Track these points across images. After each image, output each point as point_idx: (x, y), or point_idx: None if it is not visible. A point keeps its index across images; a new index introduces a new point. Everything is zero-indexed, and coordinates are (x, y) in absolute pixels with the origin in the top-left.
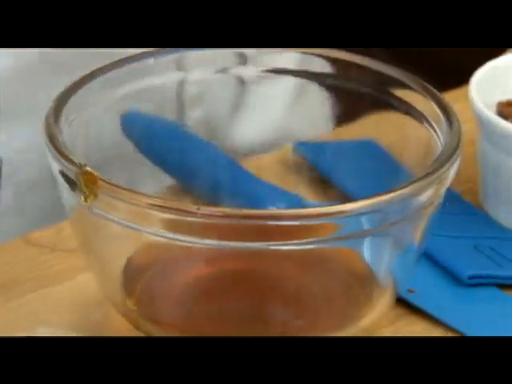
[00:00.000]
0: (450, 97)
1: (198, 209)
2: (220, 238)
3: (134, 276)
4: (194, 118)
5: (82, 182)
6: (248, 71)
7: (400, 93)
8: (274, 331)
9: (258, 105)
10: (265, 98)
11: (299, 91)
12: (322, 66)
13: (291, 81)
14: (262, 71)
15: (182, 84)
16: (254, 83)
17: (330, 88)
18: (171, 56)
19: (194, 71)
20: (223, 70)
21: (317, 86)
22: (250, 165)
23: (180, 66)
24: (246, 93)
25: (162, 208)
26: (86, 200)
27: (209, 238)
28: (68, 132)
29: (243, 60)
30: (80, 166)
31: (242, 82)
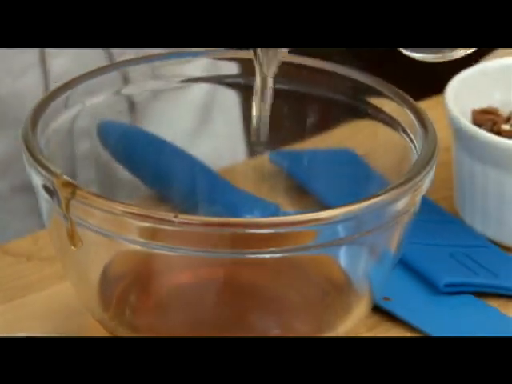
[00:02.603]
0: (426, 105)
1: (176, 217)
2: (197, 246)
3: (110, 285)
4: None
5: (59, 191)
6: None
7: (375, 101)
8: None
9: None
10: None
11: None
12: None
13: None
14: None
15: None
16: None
17: (305, 96)
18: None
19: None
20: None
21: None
22: (226, 173)
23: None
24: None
25: (139, 216)
26: (73, 244)
27: (186, 246)
28: (45, 141)
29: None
30: (57, 175)
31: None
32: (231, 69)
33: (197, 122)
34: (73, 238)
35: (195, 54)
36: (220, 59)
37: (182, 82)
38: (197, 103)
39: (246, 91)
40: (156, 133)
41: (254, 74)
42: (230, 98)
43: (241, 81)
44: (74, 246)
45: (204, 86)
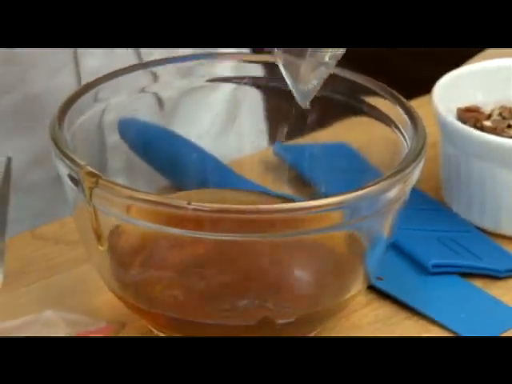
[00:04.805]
0: (415, 103)
1: (189, 204)
2: (212, 231)
3: (124, 263)
4: None
5: (84, 180)
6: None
7: (370, 100)
8: (256, 313)
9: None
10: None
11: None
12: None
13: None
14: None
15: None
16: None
17: None
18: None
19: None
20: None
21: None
22: (235, 165)
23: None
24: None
25: (156, 203)
26: (100, 244)
27: (202, 230)
28: (71, 135)
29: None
30: (82, 166)
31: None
32: (256, 71)
33: (223, 120)
34: (100, 238)
35: (223, 57)
36: (246, 62)
37: (209, 81)
38: (223, 102)
39: (270, 92)
40: (183, 130)
41: (277, 76)
42: (254, 98)
43: (265, 82)
44: (101, 245)
45: (230, 86)
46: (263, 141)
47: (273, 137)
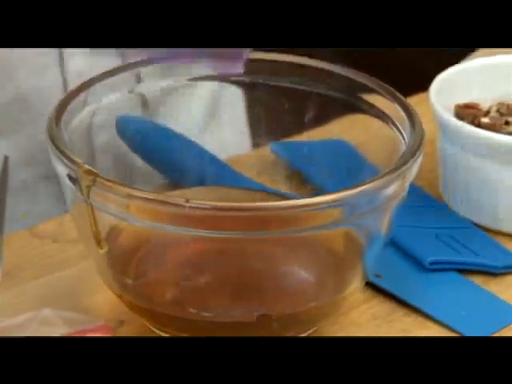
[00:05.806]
0: (412, 100)
1: (187, 202)
2: (210, 228)
3: (123, 260)
4: None
5: (82, 178)
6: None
7: (368, 97)
8: (255, 310)
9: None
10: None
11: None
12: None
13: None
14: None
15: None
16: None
17: (304, 93)
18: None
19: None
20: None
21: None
22: (232, 163)
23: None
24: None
25: (154, 201)
26: (100, 248)
27: (200, 228)
28: (68, 135)
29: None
30: (80, 165)
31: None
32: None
33: (205, 117)
34: (99, 242)
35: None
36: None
37: (191, 80)
38: (205, 100)
39: (250, 88)
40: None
41: (257, 73)
42: (235, 95)
43: (245, 79)
44: (101, 248)
45: (211, 84)
46: (245, 141)
47: (255, 136)
